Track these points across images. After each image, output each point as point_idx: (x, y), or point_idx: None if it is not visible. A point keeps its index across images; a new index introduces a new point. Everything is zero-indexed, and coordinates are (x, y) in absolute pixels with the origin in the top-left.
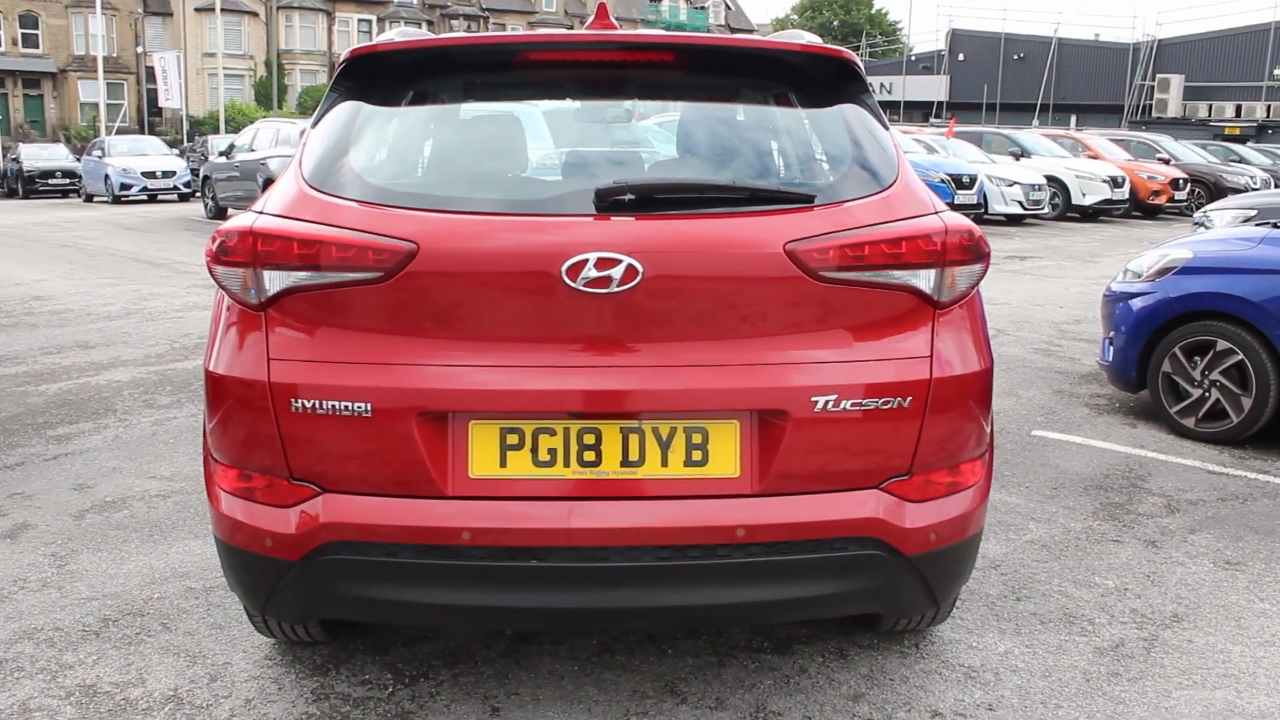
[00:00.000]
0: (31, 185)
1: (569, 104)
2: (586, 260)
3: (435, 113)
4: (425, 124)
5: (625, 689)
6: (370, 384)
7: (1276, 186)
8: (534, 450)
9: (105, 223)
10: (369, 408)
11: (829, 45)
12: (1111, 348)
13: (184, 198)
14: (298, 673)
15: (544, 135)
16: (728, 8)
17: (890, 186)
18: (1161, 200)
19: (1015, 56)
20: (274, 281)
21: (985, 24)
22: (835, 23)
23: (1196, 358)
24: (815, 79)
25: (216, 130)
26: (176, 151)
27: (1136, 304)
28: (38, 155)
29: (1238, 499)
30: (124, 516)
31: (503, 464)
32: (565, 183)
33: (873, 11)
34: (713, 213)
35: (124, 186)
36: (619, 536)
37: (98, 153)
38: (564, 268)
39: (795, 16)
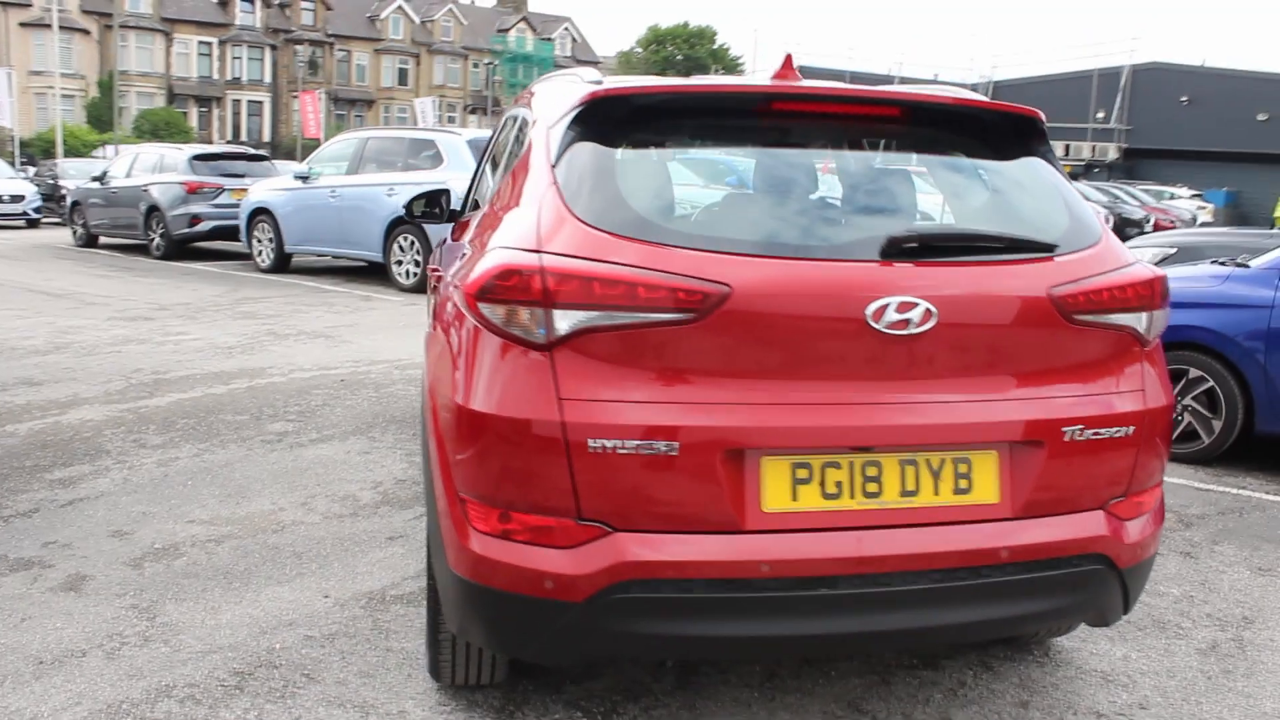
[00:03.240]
0: None
1: (814, 151)
2: (888, 304)
3: (696, 156)
4: (691, 167)
5: (814, 710)
6: (678, 423)
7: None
8: (822, 483)
9: None
10: (676, 446)
11: (1019, 105)
12: None
13: (32, 224)
14: (484, 717)
15: (802, 182)
16: (574, 40)
17: (1103, 237)
18: None
19: None
20: (566, 320)
21: (830, 61)
22: (679, 57)
23: None
24: (1017, 135)
25: (48, 153)
26: (25, 175)
27: None
28: None
29: (1234, 512)
30: (186, 564)
31: (794, 498)
32: (849, 229)
33: (715, 47)
34: (986, 260)
35: None
36: (901, 562)
37: None
38: (869, 310)
39: (640, 50)
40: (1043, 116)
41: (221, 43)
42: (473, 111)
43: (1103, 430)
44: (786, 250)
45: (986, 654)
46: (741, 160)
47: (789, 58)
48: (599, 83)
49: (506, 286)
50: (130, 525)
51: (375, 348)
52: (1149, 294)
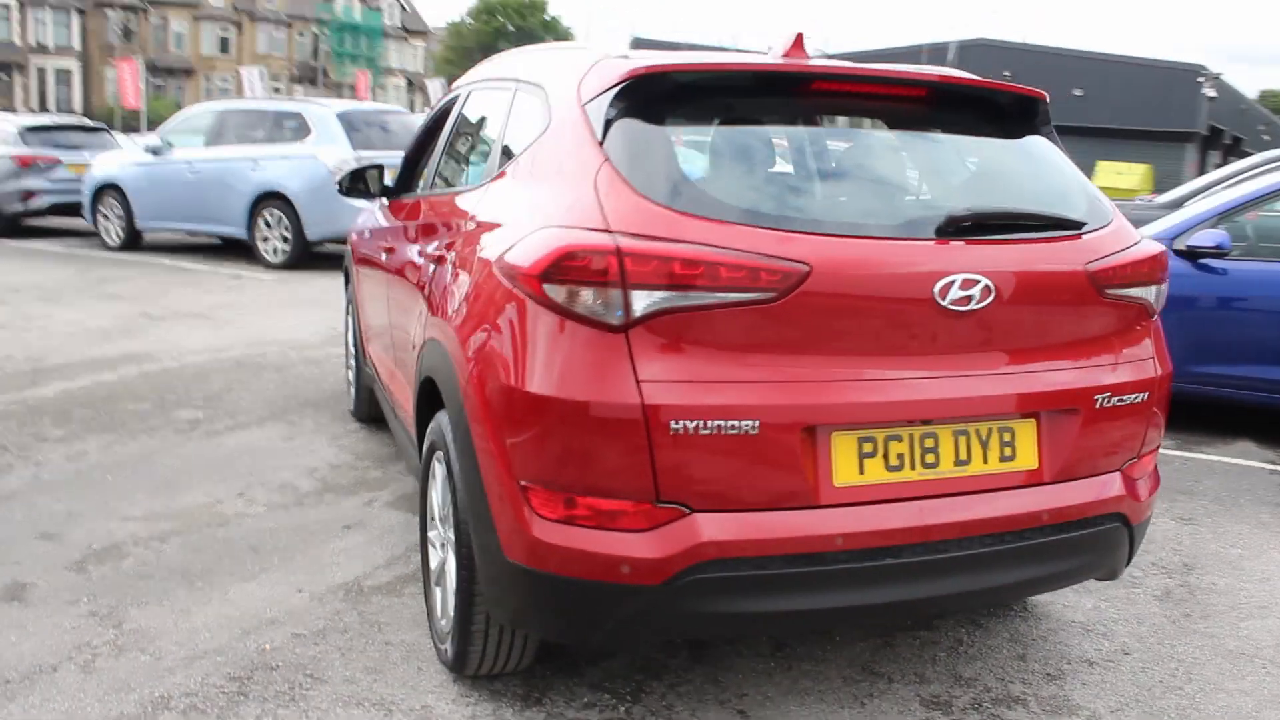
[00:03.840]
0: None
1: (852, 131)
2: (954, 281)
3: (754, 134)
4: (751, 145)
5: (832, 676)
6: (759, 402)
7: None
8: (885, 456)
9: None
10: (757, 425)
11: (1028, 87)
12: None
13: None
14: (510, 706)
15: (849, 161)
16: (403, 9)
17: (1115, 214)
18: None
19: None
20: (644, 301)
21: (669, 34)
22: (511, 28)
23: None
24: (1026, 115)
25: None
26: None
27: None
28: None
29: None
30: (135, 565)
31: (861, 471)
32: (905, 207)
33: (547, 19)
34: (1031, 238)
35: None
36: (958, 529)
37: None
38: (936, 287)
39: (470, 20)
40: (1047, 97)
41: (22, 5)
42: (299, 82)
43: (1126, 397)
44: (856, 229)
45: (974, 613)
46: (783, 139)
47: (800, 36)
48: (626, 57)
49: (577, 267)
50: (57, 526)
51: (262, 328)
52: (1159, 268)
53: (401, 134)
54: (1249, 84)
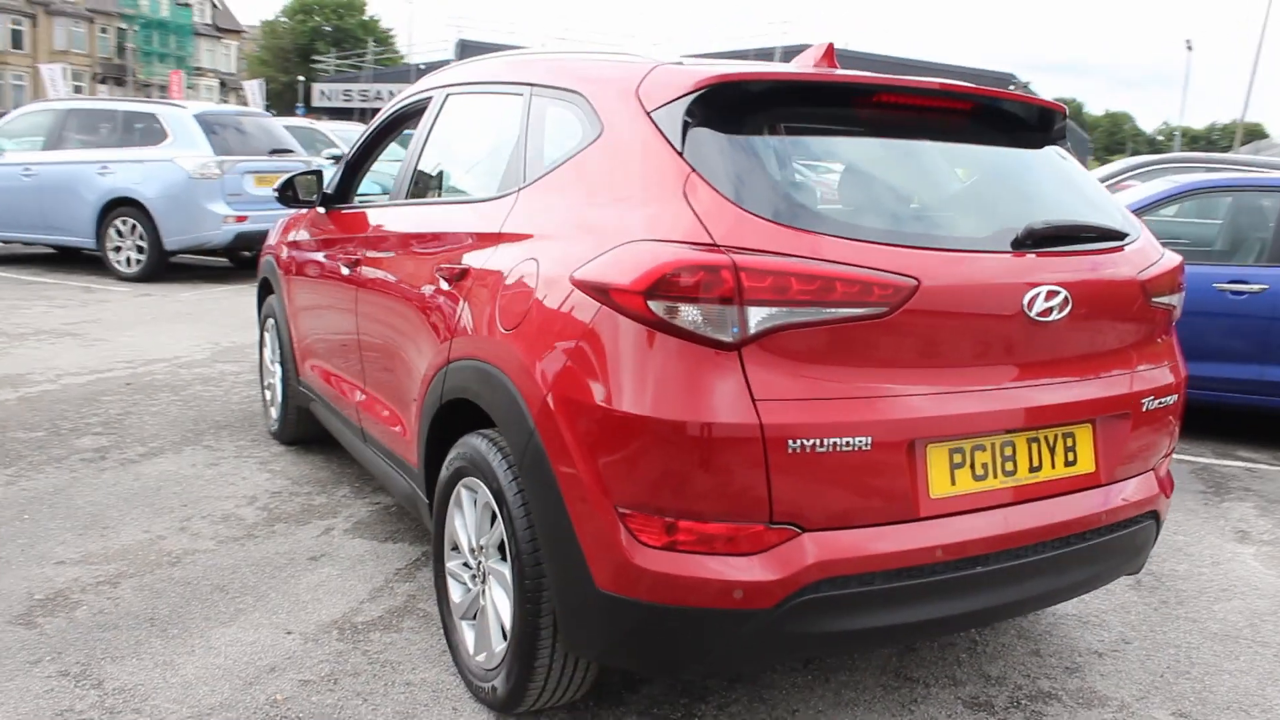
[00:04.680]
0: None
1: (919, 143)
2: (1039, 293)
3: (832, 145)
4: (832, 156)
5: (870, 685)
6: (870, 418)
7: None
8: (972, 466)
9: None
10: (869, 441)
11: (1051, 100)
12: None
13: None
14: None
15: (928, 173)
16: (214, 7)
17: (1142, 226)
18: None
19: None
20: (759, 317)
21: (495, 36)
22: (328, 28)
23: None
24: (1048, 128)
25: None
26: None
27: None
28: None
29: None
30: (91, 614)
31: (953, 482)
32: (984, 220)
33: (365, 19)
34: (1092, 249)
35: None
36: (1036, 534)
37: None
38: (1026, 299)
39: (286, 19)
40: (1067, 110)
41: None
42: (103, 81)
43: (1163, 399)
44: (953, 243)
45: None
46: (858, 150)
47: (830, 46)
48: (681, 64)
49: (689, 283)
50: None
51: (139, 346)
52: (1182, 276)
53: (261, 137)
54: (1041, 93)
